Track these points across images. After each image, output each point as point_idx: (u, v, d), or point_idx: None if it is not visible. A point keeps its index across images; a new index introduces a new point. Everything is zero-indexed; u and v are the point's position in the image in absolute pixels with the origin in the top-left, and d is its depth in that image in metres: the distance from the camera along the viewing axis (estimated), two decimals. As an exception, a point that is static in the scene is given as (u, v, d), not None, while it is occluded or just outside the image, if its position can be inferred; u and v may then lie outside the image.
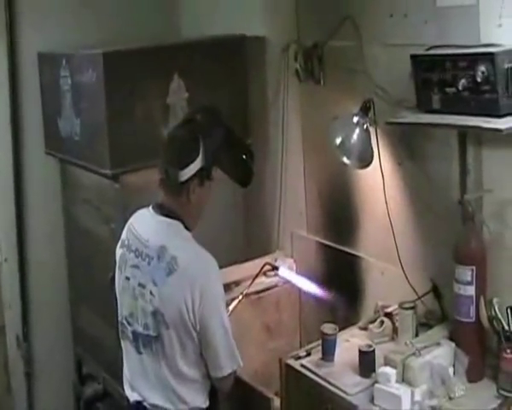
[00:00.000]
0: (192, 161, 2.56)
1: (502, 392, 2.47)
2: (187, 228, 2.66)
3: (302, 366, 2.78)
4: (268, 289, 3.53)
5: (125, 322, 2.72)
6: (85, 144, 3.52)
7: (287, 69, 3.56)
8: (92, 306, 3.86)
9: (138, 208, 2.81)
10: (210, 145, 2.60)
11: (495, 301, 2.51)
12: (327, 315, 3.32)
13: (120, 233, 2.82)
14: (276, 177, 3.76)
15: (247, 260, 3.59)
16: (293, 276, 3.56)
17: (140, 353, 2.67)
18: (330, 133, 2.94)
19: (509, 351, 2.47)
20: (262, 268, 3.36)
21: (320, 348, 2.82)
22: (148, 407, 2.68)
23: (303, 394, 2.76)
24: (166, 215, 2.64)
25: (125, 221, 2.82)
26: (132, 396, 2.74)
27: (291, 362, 2.82)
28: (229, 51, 3.67)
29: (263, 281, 3.50)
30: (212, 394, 2.73)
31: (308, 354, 2.84)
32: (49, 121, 3.90)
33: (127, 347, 2.74)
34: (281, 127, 3.67)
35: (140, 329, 2.64)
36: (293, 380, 2.81)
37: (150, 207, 2.71)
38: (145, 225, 2.70)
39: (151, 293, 2.58)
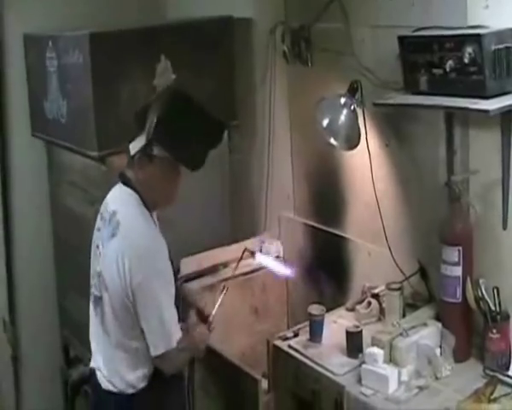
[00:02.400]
0: (137, 136, 2.59)
1: (488, 371, 2.48)
2: (145, 204, 2.65)
3: (289, 346, 2.79)
4: (255, 270, 3.53)
5: (92, 286, 2.76)
6: (72, 126, 3.50)
7: (274, 51, 3.54)
8: (78, 288, 3.83)
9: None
10: (152, 122, 2.57)
11: (481, 281, 2.52)
12: (314, 296, 3.33)
13: (107, 215, 2.82)
14: (263, 159, 3.75)
15: (234, 242, 3.60)
16: (269, 260, 3.53)
17: (96, 315, 2.72)
18: (317, 115, 2.93)
19: (494, 331, 2.49)
20: (242, 254, 3.37)
21: (307, 329, 2.83)
22: (98, 374, 2.73)
23: (290, 375, 2.77)
24: (124, 183, 2.69)
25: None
26: (91, 363, 2.80)
27: (278, 343, 2.83)
28: (217, 33, 3.65)
29: (250, 263, 3.50)
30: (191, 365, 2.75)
31: (295, 335, 2.85)
32: (35, 103, 3.87)
33: (91, 311, 2.79)
34: (268, 109, 3.66)
35: (95, 291, 2.71)
36: (281, 361, 2.81)
37: None
38: (112, 192, 2.77)
39: (100, 254, 2.67)
